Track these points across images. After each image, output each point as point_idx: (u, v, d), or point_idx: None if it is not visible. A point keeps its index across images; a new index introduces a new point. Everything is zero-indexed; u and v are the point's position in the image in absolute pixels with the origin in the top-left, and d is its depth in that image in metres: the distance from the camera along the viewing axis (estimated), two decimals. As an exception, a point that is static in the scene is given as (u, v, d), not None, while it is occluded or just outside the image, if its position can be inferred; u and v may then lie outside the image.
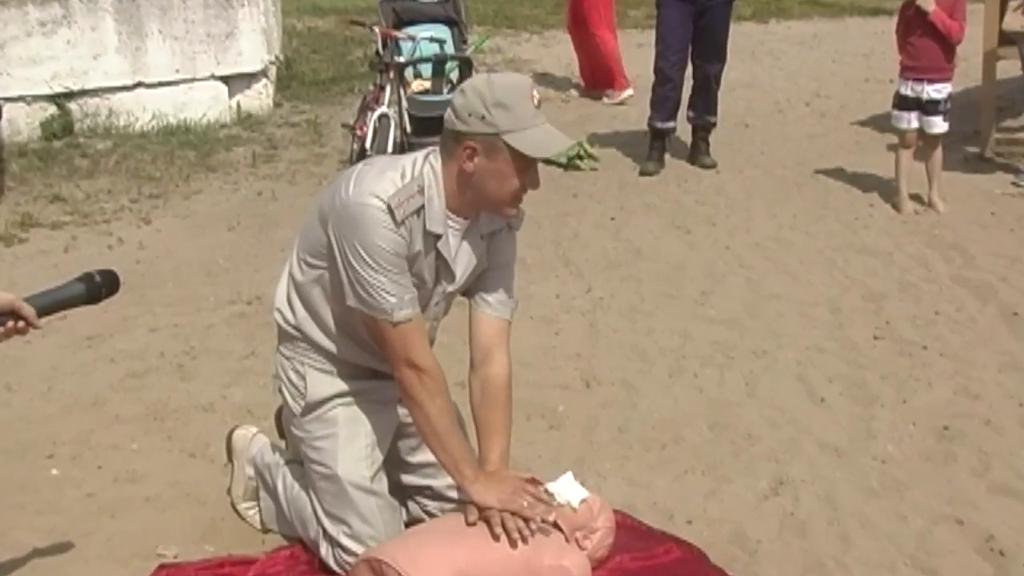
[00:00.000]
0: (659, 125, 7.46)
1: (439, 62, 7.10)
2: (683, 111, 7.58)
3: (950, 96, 6.32)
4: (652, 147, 7.53)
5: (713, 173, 7.38)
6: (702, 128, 7.60)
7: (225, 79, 8.78)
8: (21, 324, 2.48)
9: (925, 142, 6.44)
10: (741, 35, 10.68)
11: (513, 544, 2.76)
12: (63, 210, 6.62)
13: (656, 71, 7.42)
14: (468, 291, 3.05)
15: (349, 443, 3.01)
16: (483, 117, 2.69)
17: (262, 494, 3.36)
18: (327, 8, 13.06)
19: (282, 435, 3.48)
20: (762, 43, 11.88)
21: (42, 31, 7.95)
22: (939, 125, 6.32)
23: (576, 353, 4.70)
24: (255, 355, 4.61)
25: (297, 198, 6.76)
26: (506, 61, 11.24)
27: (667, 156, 7.59)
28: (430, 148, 2.89)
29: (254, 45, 8.85)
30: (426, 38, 7.15)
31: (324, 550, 3.05)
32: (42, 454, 3.88)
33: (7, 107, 7.77)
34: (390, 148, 6.56)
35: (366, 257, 2.73)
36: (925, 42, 6.19)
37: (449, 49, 7.25)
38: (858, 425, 4.08)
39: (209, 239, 6.19)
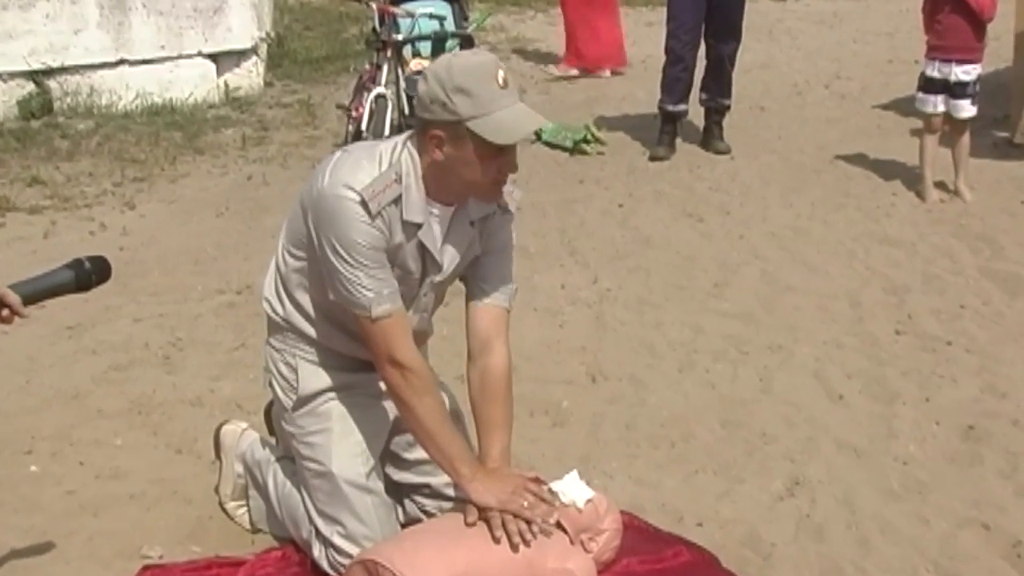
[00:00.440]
0: (670, 108, 7.46)
1: (439, 40, 7.10)
2: (695, 93, 7.59)
3: (979, 78, 6.31)
4: (663, 131, 7.53)
5: (727, 159, 7.39)
6: (715, 111, 7.61)
7: (213, 57, 8.79)
8: (5, 313, 2.48)
9: (952, 127, 6.44)
10: (757, 13, 10.70)
11: (514, 547, 2.76)
12: (42, 194, 6.63)
13: (667, 51, 7.42)
14: (464, 279, 3.06)
15: (343, 439, 3.02)
16: (444, 104, 2.67)
17: (252, 492, 3.37)
18: (320, -17, 13.07)
19: (272, 431, 3.49)
20: (780, 21, 11.89)
21: (19, 3, 7.95)
22: (967, 109, 6.32)
23: (582, 347, 4.71)
24: (245, 347, 4.62)
25: (289, 183, 6.77)
26: (509, 40, 11.26)
27: (678, 141, 7.60)
28: (410, 132, 2.88)
29: (244, 21, 8.86)
30: (425, 15, 7.15)
31: (317, 551, 3.06)
32: (20, 450, 3.89)
33: (-18, 84, 7.80)
34: (387, 130, 6.56)
35: (341, 251, 2.73)
36: (954, 20, 6.18)
37: (449, 26, 7.25)
38: (878, 424, 4.09)
39: (196, 225, 6.19)
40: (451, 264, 2.94)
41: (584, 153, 7.46)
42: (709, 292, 5.27)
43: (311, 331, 3.02)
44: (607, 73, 9.79)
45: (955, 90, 6.28)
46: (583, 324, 4.93)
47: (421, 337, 3.13)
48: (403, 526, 3.14)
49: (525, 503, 2.81)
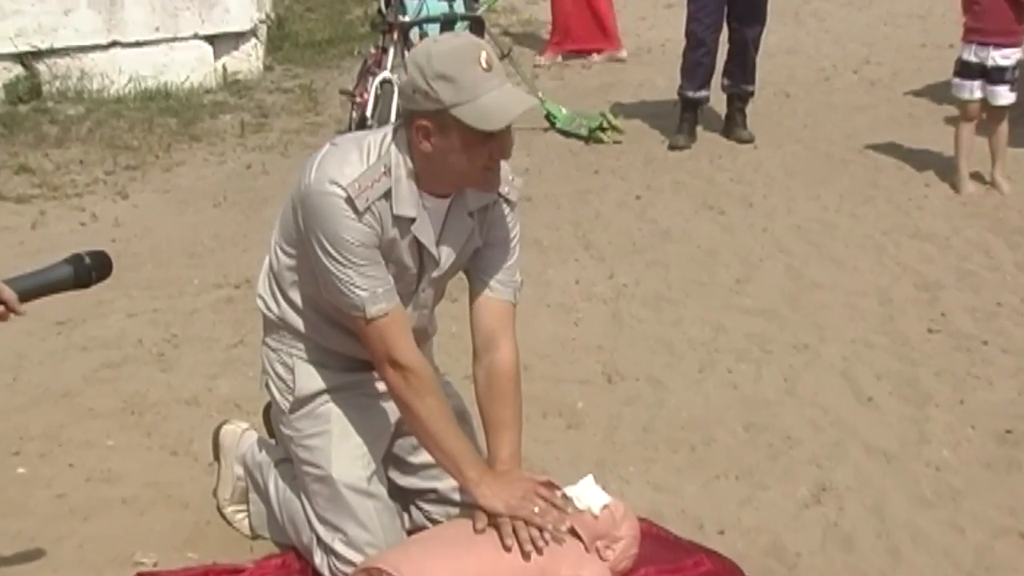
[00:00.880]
0: (691, 94, 7.45)
1: (448, 22, 7.10)
2: (717, 79, 7.57)
3: (1019, 63, 6.29)
4: (682, 119, 7.52)
5: (750, 148, 7.38)
6: (738, 98, 7.59)
7: (210, 39, 8.80)
8: (1, 309, 2.49)
9: (989, 114, 6.42)
10: (783, -6, 10.65)
11: (526, 555, 2.77)
12: (30, 182, 6.64)
13: (688, 34, 7.40)
14: (467, 273, 3.06)
15: (343, 441, 3.02)
16: (426, 93, 2.66)
17: (252, 496, 3.37)
18: (323, -38, 13.06)
19: (271, 433, 3.50)
20: (806, 3, 11.85)
21: (6, -18, 7.97)
22: (1005, 96, 6.30)
23: (597, 345, 4.71)
24: (243, 344, 4.63)
25: (289, 172, 6.77)
26: (521, 22, 11.26)
27: (699, 129, 7.59)
28: (400, 121, 2.87)
29: (243, 2, 8.87)
30: (434, -5, 7.15)
31: (319, 559, 3.06)
32: (7, 451, 3.90)
33: (-32, 68, 7.82)
34: (393, 117, 6.56)
35: (331, 250, 2.74)
36: (993, 1, 6.14)
37: (459, 8, 7.24)
38: (910, 427, 4.08)
39: (192, 216, 6.21)
40: (448, 258, 2.94)
41: (600, 141, 7.45)
42: (731, 288, 5.27)
43: (307, 330, 3.02)
44: (595, 57, 9.73)
45: (993, 76, 6.25)
46: (599, 321, 4.93)
47: (423, 335, 3.13)
48: (408, 533, 3.15)
49: (536, 508, 2.80)
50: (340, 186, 2.70)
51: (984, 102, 6.35)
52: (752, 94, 7.63)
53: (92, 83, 8.28)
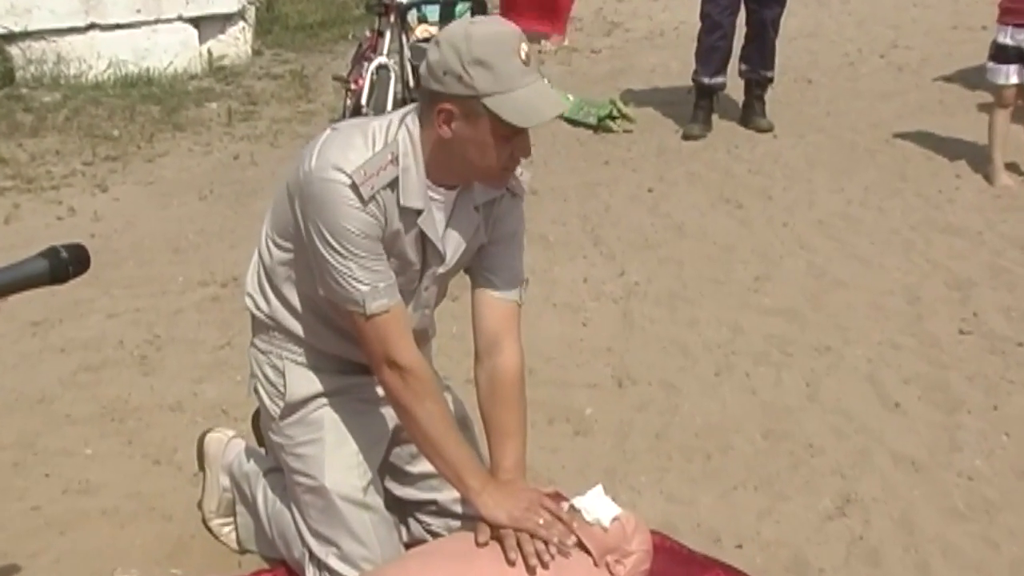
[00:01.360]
0: (706, 81, 7.45)
1: (448, 5, 7.11)
2: (734, 64, 7.58)
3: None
4: (697, 106, 7.53)
5: (769, 137, 7.38)
6: (757, 84, 7.60)
7: (195, 21, 8.82)
8: (-28, 306, 2.50)
9: (1025, 101, 6.44)
10: (804, -26, 10.66)
11: (530, 570, 2.76)
12: (3, 174, 6.65)
13: (703, 16, 7.41)
14: (469, 270, 3.06)
15: (337, 449, 3.02)
16: (460, 77, 2.63)
17: (239, 508, 3.37)
18: (315, -61, 13.08)
19: (261, 442, 3.49)
20: (829, -17, 11.86)
21: (-22, -38, 7.98)
22: (1044, 81, 6.31)
23: (607, 347, 4.71)
24: (231, 346, 4.64)
25: (279, 163, 6.79)
26: (526, 3, 11.25)
27: (715, 117, 7.60)
28: (409, 107, 2.86)
29: (229, -18, 8.88)
30: (434, -24, 7.17)
31: (311, 574, 3.06)
32: (-21, 459, 3.91)
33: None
34: (390, 105, 6.57)
35: (331, 240, 2.73)
36: (1032, -20, 6.16)
37: (461, -11, 7.26)
38: (940, 435, 4.08)
39: (176, 210, 6.21)
40: (455, 254, 2.93)
41: (609, 131, 7.46)
42: (749, 287, 5.27)
43: (300, 330, 3.02)
44: (545, 44, 9.64)
45: (1030, 60, 6.27)
46: (608, 322, 4.93)
47: (423, 337, 3.13)
48: (407, 547, 3.15)
49: (541, 520, 2.80)
50: (344, 172, 2.69)
51: (1021, 88, 6.35)
52: (771, 80, 7.63)
53: (69, 68, 8.30)
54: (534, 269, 5.28)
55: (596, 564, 2.89)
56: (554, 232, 5.73)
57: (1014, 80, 6.33)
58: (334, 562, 2.99)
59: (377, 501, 3.04)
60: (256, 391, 3.15)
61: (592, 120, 7.54)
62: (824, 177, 6.66)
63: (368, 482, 3.02)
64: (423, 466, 3.13)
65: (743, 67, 7.59)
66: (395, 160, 2.74)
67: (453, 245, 2.92)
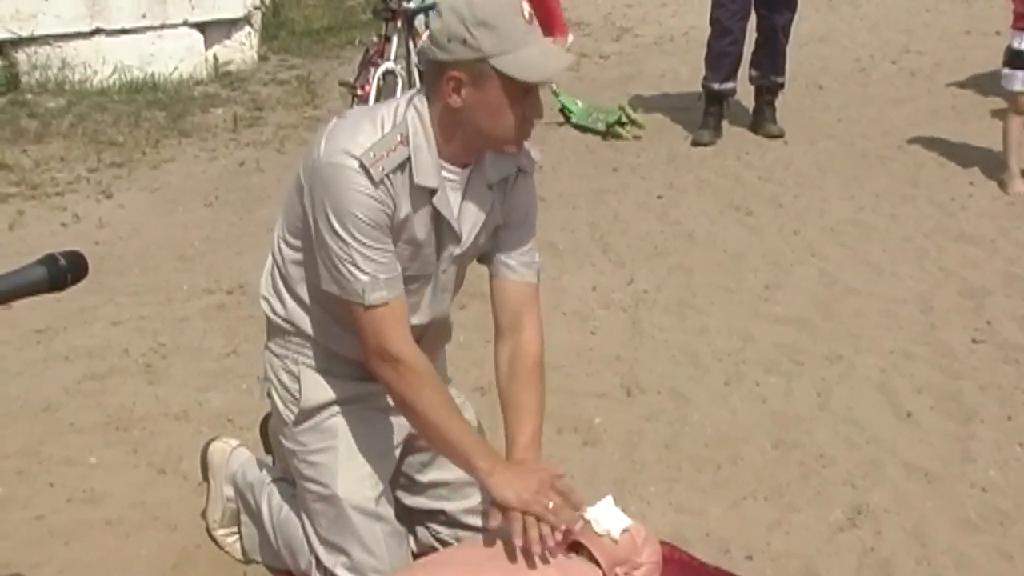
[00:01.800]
0: (716, 87, 7.45)
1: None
2: (744, 70, 7.58)
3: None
4: (707, 112, 7.52)
5: (780, 144, 7.38)
6: (767, 90, 7.60)
7: (201, 27, 8.82)
8: (-30, 313, 2.51)
9: (1040, 108, 6.42)
10: (815, -22, 10.66)
11: (531, 564, 2.75)
12: (8, 180, 6.66)
13: (713, 22, 7.41)
14: (485, 257, 3.05)
15: (350, 459, 3.01)
16: (464, 40, 2.65)
17: (243, 518, 3.38)
18: (322, -57, 13.10)
19: (268, 449, 3.49)
20: (840, -12, 11.85)
21: (-18, -34, 8.00)
22: (1059, 88, 6.30)
23: (616, 356, 4.71)
24: (236, 354, 4.64)
25: (286, 169, 6.79)
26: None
27: (725, 123, 7.59)
28: (415, 90, 2.87)
29: (235, -14, 8.89)
30: (440, -20, 7.16)
31: (318, 584, 3.07)
32: (-17, 468, 3.92)
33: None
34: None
35: (336, 226, 2.72)
36: (1047, -15, 6.15)
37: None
38: (953, 445, 4.08)
39: (182, 216, 6.22)
40: (471, 233, 2.92)
41: (619, 137, 7.45)
42: (759, 295, 5.27)
43: (315, 332, 3.01)
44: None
45: (1045, 66, 6.26)
46: (617, 330, 4.93)
47: (443, 329, 3.14)
48: (415, 556, 3.15)
49: (550, 504, 2.77)
50: (353, 156, 2.69)
51: (1036, 94, 6.34)
52: (782, 86, 7.63)
53: (74, 74, 8.31)
54: (542, 276, 5.28)
55: (605, 576, 2.89)
56: (563, 239, 5.73)
57: (1029, 87, 6.33)
58: (342, 572, 2.99)
59: (388, 511, 3.04)
60: (270, 395, 3.13)
61: (601, 126, 7.54)
62: (835, 184, 6.66)
63: (380, 492, 3.02)
64: (433, 475, 3.14)
65: (753, 73, 7.59)
66: (405, 140, 2.74)
67: (468, 224, 2.90)
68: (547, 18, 9.57)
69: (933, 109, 8.08)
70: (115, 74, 8.38)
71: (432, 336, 3.06)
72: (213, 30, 8.90)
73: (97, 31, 8.42)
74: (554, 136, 7.40)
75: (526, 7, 2.69)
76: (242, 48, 9.07)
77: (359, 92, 6.90)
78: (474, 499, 3.17)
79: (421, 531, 3.25)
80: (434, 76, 2.74)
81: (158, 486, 3.81)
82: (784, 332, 4.90)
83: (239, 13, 8.96)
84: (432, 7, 7.09)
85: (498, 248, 3.01)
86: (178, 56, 8.65)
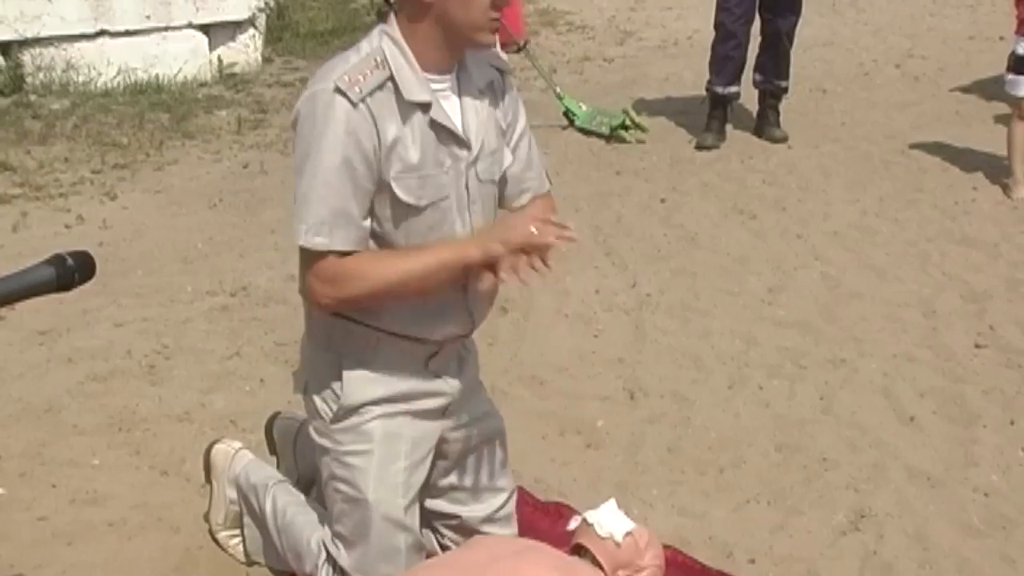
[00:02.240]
0: (720, 90, 7.45)
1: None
2: (748, 74, 7.58)
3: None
4: (711, 116, 7.52)
5: (783, 148, 7.37)
6: (771, 94, 7.59)
7: (205, 28, 8.82)
8: (-21, 313, 2.51)
9: (1044, 113, 6.42)
10: (819, -18, 10.66)
11: (535, 567, 2.74)
12: (11, 181, 6.66)
13: (717, 26, 7.41)
14: (503, 195, 3.04)
15: (385, 466, 2.98)
16: None
17: (246, 520, 3.38)
18: (326, -54, 13.10)
19: (272, 451, 3.50)
20: (845, -8, 11.85)
21: (-14, -33, 8.00)
22: (1063, 93, 6.29)
23: (618, 358, 4.71)
24: (239, 356, 4.64)
25: (289, 171, 6.66)
26: (538, 12, 11.27)
27: (729, 127, 7.59)
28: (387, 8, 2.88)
29: (240, -12, 8.89)
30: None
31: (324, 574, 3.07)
32: (-15, 470, 3.92)
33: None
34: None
35: (311, 156, 2.71)
36: (1051, -9, 6.15)
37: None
38: (955, 449, 4.08)
39: (186, 218, 6.22)
40: (478, 135, 2.89)
41: (622, 141, 7.45)
42: (763, 298, 5.27)
43: (362, 316, 2.95)
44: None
45: (1050, 71, 6.25)
46: (620, 333, 4.93)
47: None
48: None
49: (533, 229, 2.75)
50: (329, 81, 2.70)
51: (1040, 99, 6.34)
52: (786, 90, 7.62)
53: (78, 75, 8.30)
54: (545, 279, 5.28)
55: (608, 579, 2.89)
56: (566, 242, 5.71)
57: (1034, 92, 6.33)
58: (354, 573, 3.00)
59: (415, 522, 3.03)
60: (306, 390, 3.09)
61: (605, 130, 7.53)
62: (839, 188, 6.65)
63: (410, 501, 3.01)
64: (453, 478, 3.15)
65: (757, 77, 7.59)
66: (381, 64, 2.75)
67: (473, 126, 2.88)
68: (510, 15, 9.53)
69: (937, 114, 8.08)
70: (119, 76, 8.37)
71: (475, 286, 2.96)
72: (217, 32, 8.90)
73: (101, 33, 8.41)
74: (558, 139, 7.40)
75: None
76: (246, 50, 9.07)
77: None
78: (491, 506, 3.19)
79: (428, 534, 3.24)
80: None
81: (161, 488, 3.81)
82: (787, 336, 4.90)
83: (243, 15, 8.95)
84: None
85: (513, 176, 3.02)
86: (182, 58, 8.65)
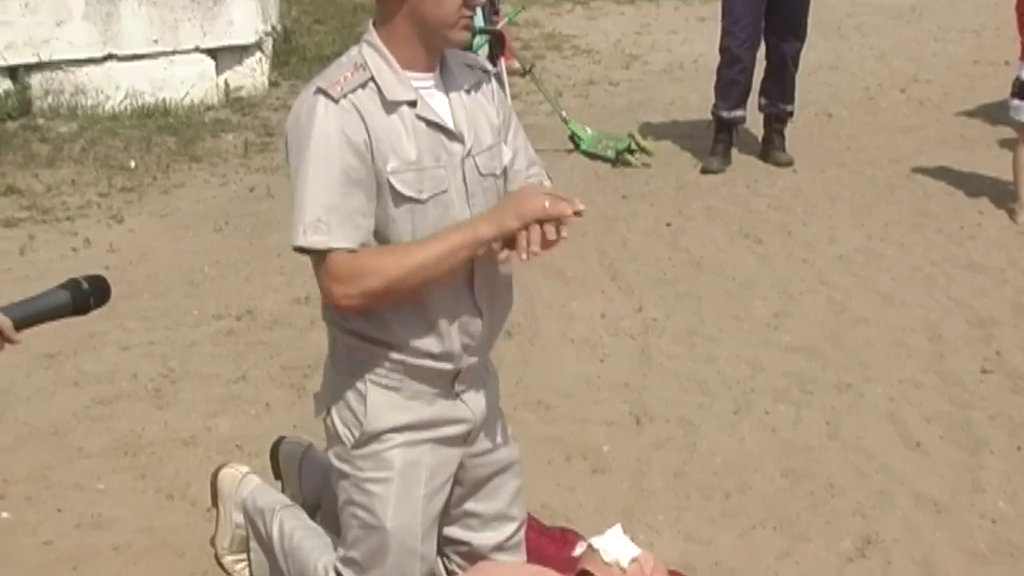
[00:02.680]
0: (725, 114, 7.46)
1: (466, 35, 7.13)
2: (754, 98, 7.59)
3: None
4: (717, 140, 7.53)
5: (789, 172, 7.38)
6: (776, 118, 7.60)
7: (212, 52, 8.85)
8: (-5, 338, 2.51)
9: (1049, 138, 6.42)
10: (824, 7, 10.66)
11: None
12: (19, 204, 6.68)
13: (722, 50, 7.42)
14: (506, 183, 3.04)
15: (404, 494, 2.97)
16: None
17: (252, 544, 3.37)
18: (333, -30, 13.15)
19: (278, 475, 3.49)
20: (849, 16, 11.88)
21: (-5, -8, 8.03)
22: (1067, 119, 6.30)
23: (624, 383, 4.71)
24: (245, 379, 4.64)
25: (295, 194, 6.78)
26: (544, 36, 11.29)
27: (734, 151, 7.60)
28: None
29: (247, 13, 8.92)
30: (450, 8, 7.19)
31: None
32: (-8, 493, 3.92)
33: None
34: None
35: (296, 156, 2.74)
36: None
37: (478, 21, 7.28)
38: (962, 475, 4.07)
39: (192, 242, 6.23)
40: (471, 131, 2.91)
41: (628, 164, 7.45)
42: (769, 323, 5.26)
43: (389, 336, 2.91)
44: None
45: (1053, 97, 6.25)
46: (626, 358, 4.93)
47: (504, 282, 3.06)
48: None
49: (546, 203, 2.75)
50: (311, 88, 2.75)
51: (1045, 125, 6.35)
52: (791, 114, 7.63)
53: (86, 99, 8.33)
54: (551, 304, 5.29)
55: (614, 605, 2.88)
56: (572, 267, 5.72)
57: (1038, 117, 6.33)
58: None
59: (431, 551, 3.03)
60: (329, 413, 3.07)
61: (610, 153, 7.54)
62: (844, 212, 6.66)
63: (427, 529, 3.00)
64: (468, 505, 3.15)
65: (763, 101, 7.60)
66: (360, 67, 2.78)
67: (465, 120, 2.90)
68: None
69: (942, 138, 8.08)
70: (127, 99, 8.40)
71: (488, 276, 2.96)
72: (225, 56, 8.93)
73: (109, 56, 8.45)
74: (563, 163, 7.41)
75: None
76: (253, 74, 9.09)
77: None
78: (502, 535, 3.18)
79: (436, 558, 3.22)
80: None
81: (166, 512, 3.81)
82: (793, 360, 4.90)
83: (251, 39, 8.98)
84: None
85: (514, 168, 3.04)
86: (189, 82, 8.67)
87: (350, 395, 2.99)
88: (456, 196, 2.88)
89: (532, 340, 4.95)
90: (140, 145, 7.71)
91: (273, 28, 9.52)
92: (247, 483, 3.42)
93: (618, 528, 3.04)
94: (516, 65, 8.34)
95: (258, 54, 9.11)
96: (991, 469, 4.09)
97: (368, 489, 2.98)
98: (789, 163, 7.48)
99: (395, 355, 2.93)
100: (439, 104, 2.88)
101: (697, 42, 10.44)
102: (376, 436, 2.96)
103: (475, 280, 2.91)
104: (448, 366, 2.95)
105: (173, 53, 8.67)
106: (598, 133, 7.74)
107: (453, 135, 2.88)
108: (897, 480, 4.03)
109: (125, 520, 3.76)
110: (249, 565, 3.40)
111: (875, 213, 6.63)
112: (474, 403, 3.04)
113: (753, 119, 7.67)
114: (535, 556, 3.31)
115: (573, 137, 7.68)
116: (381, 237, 2.83)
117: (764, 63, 7.52)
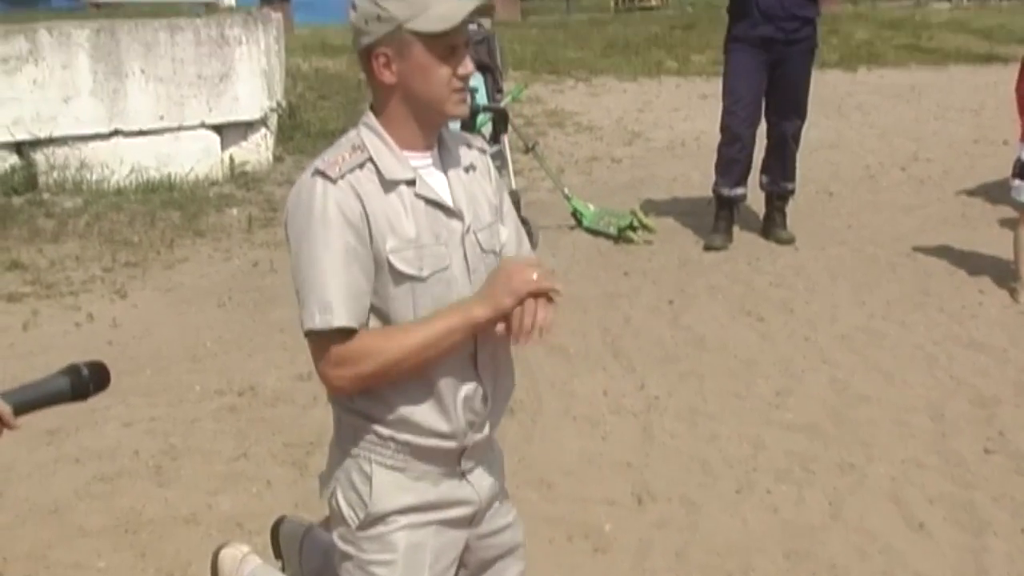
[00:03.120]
0: (726, 192, 7.50)
1: (470, 114, 7.18)
2: (755, 176, 7.63)
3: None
4: (718, 218, 7.57)
5: (790, 250, 7.41)
6: (778, 196, 7.65)
7: (218, 128, 8.92)
8: (-6, 424, 2.52)
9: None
10: (825, 86, 10.78)
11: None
12: (23, 279, 6.70)
13: (723, 129, 7.48)
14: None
15: None
16: (378, 16, 2.74)
17: (253, 625, 3.35)
18: (337, 46, 13.29)
19: (278, 554, 3.47)
20: (850, 95, 11.98)
21: (4, 68, 8.13)
22: (1067, 200, 6.33)
23: (626, 462, 4.70)
24: (246, 456, 4.63)
25: (298, 270, 6.80)
26: (547, 112, 11.39)
27: (736, 229, 7.64)
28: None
29: (252, 89, 9.00)
30: (455, 86, 7.24)
31: None
32: (-10, 571, 3.91)
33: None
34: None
35: (297, 240, 2.73)
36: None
37: (481, 99, 7.34)
38: (965, 557, 4.04)
39: (195, 317, 6.24)
40: (471, 209, 2.90)
41: (630, 241, 7.49)
42: (771, 402, 5.26)
43: (391, 415, 2.88)
44: None
45: (1054, 178, 6.29)
46: (628, 436, 4.92)
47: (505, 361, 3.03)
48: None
49: (535, 276, 2.75)
50: (309, 170, 2.75)
51: (1046, 205, 6.38)
52: (792, 192, 7.68)
53: (91, 174, 8.39)
54: (553, 381, 5.29)
55: None
56: (573, 344, 5.73)
57: (1039, 197, 6.36)
58: None
59: None
60: (335, 494, 3.07)
61: (613, 230, 7.58)
62: (846, 290, 6.67)
63: None
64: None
65: (764, 179, 7.65)
66: (359, 148, 2.79)
67: (464, 198, 2.90)
68: None
69: (943, 217, 8.12)
70: (132, 174, 8.46)
71: (490, 351, 2.95)
72: (230, 132, 9.00)
73: (115, 132, 8.52)
74: (566, 239, 7.44)
75: None
76: (258, 149, 9.17)
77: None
78: None
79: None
80: (367, 64, 2.82)
81: (166, 591, 3.79)
82: (795, 440, 4.89)
83: (256, 115, 9.06)
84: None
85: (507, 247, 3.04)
86: (195, 157, 8.74)
87: (355, 476, 2.98)
88: (459, 273, 2.88)
89: (534, 418, 4.95)
90: (144, 220, 7.76)
91: (278, 104, 9.60)
92: (248, 563, 3.41)
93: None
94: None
95: (263, 130, 9.19)
96: (994, 551, 4.07)
97: (372, 572, 2.97)
98: (791, 241, 7.52)
99: (400, 435, 2.92)
100: (437, 182, 2.90)
101: (699, 119, 10.52)
102: (381, 518, 2.95)
103: (478, 355, 2.92)
104: (453, 444, 2.94)
105: (179, 129, 8.75)
106: (600, 210, 7.78)
107: (452, 212, 2.90)
108: (900, 562, 4.01)
109: (124, 599, 3.74)
110: (249, 645, 3.38)
111: (877, 291, 6.65)
112: (480, 483, 3.03)
113: (754, 196, 7.72)
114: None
115: (575, 214, 7.72)
116: (381, 316, 2.84)
117: (765, 141, 7.57)
